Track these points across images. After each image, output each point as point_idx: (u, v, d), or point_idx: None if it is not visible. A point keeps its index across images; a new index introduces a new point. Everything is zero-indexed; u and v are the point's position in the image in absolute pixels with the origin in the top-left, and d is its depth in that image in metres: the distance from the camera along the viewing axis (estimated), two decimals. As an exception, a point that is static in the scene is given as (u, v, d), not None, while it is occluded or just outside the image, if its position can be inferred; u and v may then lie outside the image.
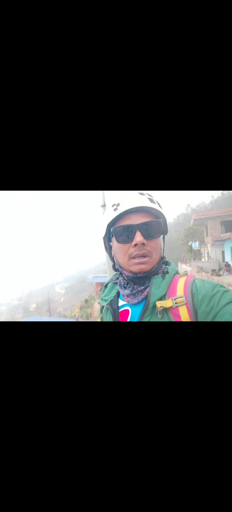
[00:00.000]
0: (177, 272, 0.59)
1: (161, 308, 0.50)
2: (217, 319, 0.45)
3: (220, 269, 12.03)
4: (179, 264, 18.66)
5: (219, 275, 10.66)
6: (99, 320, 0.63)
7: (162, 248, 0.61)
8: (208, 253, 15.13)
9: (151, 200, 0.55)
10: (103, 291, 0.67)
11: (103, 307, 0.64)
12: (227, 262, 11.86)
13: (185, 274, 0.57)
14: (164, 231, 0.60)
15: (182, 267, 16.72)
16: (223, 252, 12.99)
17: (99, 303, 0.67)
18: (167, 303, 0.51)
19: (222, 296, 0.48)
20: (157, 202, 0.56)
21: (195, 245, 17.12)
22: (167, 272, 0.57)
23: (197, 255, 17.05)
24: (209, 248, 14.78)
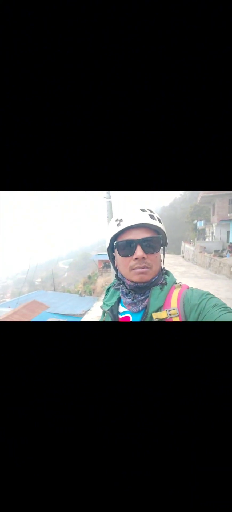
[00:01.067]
0: (175, 282, 0.63)
1: (156, 319, 0.55)
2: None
3: (223, 249, 11.94)
4: (183, 243, 18.52)
5: (222, 256, 10.62)
6: None
7: (162, 259, 0.66)
8: (212, 232, 14.89)
9: (152, 217, 0.58)
10: (106, 295, 0.71)
11: (105, 311, 0.68)
12: (231, 243, 11.73)
13: (179, 285, 0.61)
14: (164, 244, 0.65)
15: (185, 247, 16.63)
16: (228, 232, 12.77)
17: (101, 307, 0.70)
18: (162, 314, 0.55)
19: (208, 303, 0.53)
20: (157, 218, 0.60)
21: (201, 224, 16.80)
22: (166, 284, 0.61)
23: (201, 234, 16.81)
24: (214, 228, 14.50)
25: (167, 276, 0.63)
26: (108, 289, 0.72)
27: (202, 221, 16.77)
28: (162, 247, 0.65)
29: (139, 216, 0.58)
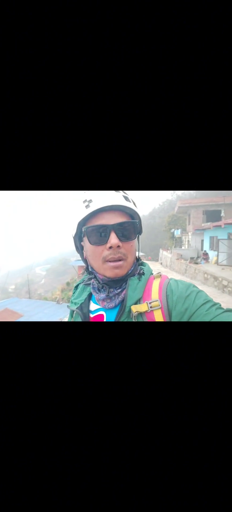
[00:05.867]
0: (151, 273, 0.57)
1: (136, 313, 0.48)
2: (193, 319, 0.46)
3: (198, 257, 12.69)
4: (161, 250, 19.24)
5: (197, 263, 11.26)
6: None
7: (137, 249, 0.59)
8: (188, 241, 15.77)
9: (126, 199, 0.51)
10: (74, 293, 0.62)
11: (73, 311, 0.60)
12: (205, 251, 12.54)
13: (159, 275, 0.55)
14: (139, 231, 0.57)
15: (163, 254, 17.29)
16: (202, 241, 13.65)
17: (68, 306, 0.61)
18: (142, 307, 0.49)
19: (197, 297, 0.48)
20: (132, 200, 0.53)
21: (177, 232, 17.68)
22: (143, 274, 0.54)
23: (178, 242, 17.69)
24: (190, 236, 15.38)
25: (143, 267, 0.57)
26: (76, 287, 0.64)
27: (179, 230, 17.70)
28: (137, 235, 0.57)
29: (112, 196, 0.49)
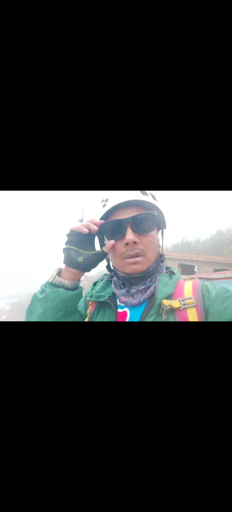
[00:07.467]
0: (179, 278, 0.56)
1: (169, 307, 0.47)
2: None
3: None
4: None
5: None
6: (87, 320, 0.56)
7: (161, 245, 0.56)
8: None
9: (144, 193, 0.50)
10: (93, 288, 0.61)
11: (87, 307, 0.59)
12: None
13: (191, 278, 0.54)
14: (162, 225, 0.56)
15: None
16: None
17: (88, 298, 0.59)
18: (175, 303, 0.47)
19: None
20: (150, 194, 0.51)
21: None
22: (174, 273, 0.54)
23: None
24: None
25: (171, 268, 0.56)
26: (95, 283, 0.63)
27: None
28: (160, 231, 0.56)
29: (128, 192, 0.48)
